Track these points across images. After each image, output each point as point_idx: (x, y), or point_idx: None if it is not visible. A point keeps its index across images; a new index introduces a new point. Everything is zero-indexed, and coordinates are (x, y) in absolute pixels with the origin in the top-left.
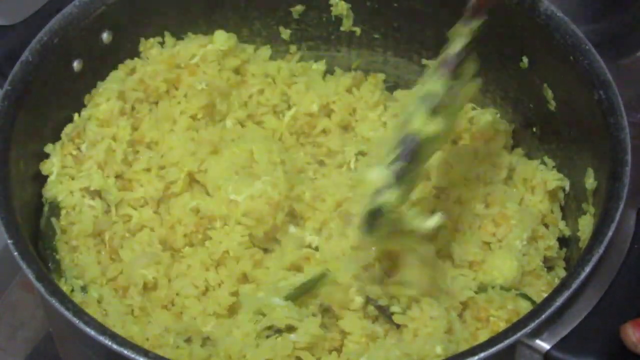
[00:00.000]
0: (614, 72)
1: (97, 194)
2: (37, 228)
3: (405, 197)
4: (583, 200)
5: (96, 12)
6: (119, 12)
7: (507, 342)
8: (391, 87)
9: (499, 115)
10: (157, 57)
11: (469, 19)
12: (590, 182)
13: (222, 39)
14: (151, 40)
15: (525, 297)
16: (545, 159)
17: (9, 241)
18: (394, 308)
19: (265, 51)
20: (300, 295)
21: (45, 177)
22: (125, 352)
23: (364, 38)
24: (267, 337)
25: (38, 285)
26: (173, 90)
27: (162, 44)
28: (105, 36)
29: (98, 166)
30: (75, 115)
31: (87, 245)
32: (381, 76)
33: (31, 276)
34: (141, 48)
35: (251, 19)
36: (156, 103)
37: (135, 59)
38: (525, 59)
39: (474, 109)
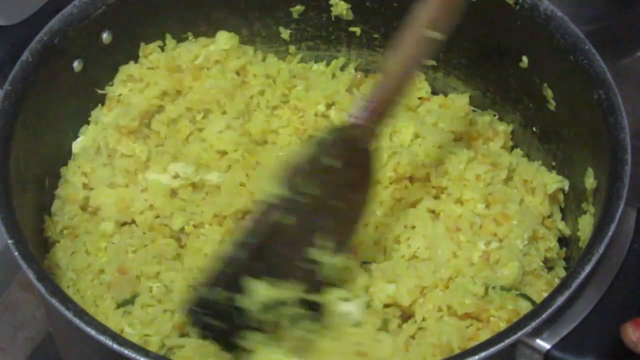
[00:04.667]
0: (614, 72)
1: None
2: (37, 227)
3: None
4: (583, 199)
5: (96, 12)
6: (119, 12)
7: (507, 341)
8: None
9: (497, 116)
10: (157, 61)
11: None
12: (590, 181)
13: (224, 38)
14: (151, 45)
15: (526, 297)
16: (545, 159)
17: (9, 241)
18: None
19: (271, 58)
20: None
21: (45, 177)
22: (126, 352)
23: (364, 38)
24: None
25: (38, 285)
26: (175, 94)
27: (162, 47)
28: (105, 36)
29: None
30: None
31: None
32: (381, 76)
33: (31, 276)
34: (141, 53)
35: (251, 19)
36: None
37: (136, 64)
38: (525, 59)
39: (473, 110)
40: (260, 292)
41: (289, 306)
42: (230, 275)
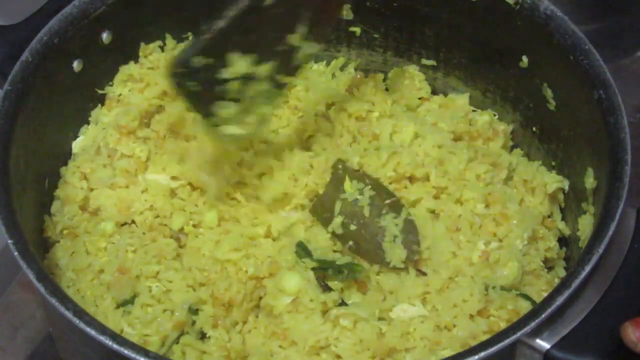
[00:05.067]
0: (614, 72)
1: None
2: (37, 227)
3: None
4: (583, 199)
5: (96, 12)
6: (119, 12)
7: (507, 341)
8: None
9: (497, 116)
10: (157, 61)
11: None
12: (590, 181)
13: None
14: (151, 45)
15: (526, 297)
16: (545, 159)
17: (9, 241)
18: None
19: None
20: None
21: (45, 177)
22: (126, 352)
23: (364, 38)
24: None
25: (38, 285)
26: (175, 94)
27: (162, 47)
28: (105, 36)
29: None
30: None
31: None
32: (381, 76)
33: (31, 276)
34: (141, 53)
35: None
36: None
37: (136, 64)
38: (525, 59)
39: (473, 110)
40: (240, 64)
41: (262, 82)
42: (213, 44)
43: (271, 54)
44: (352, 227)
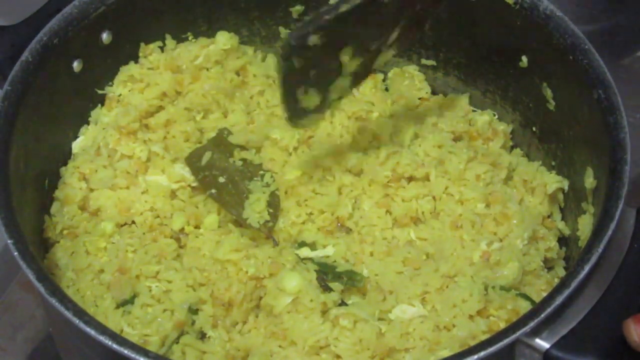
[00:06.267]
0: (614, 72)
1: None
2: (37, 227)
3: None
4: (582, 199)
5: (96, 12)
6: (119, 12)
7: (506, 341)
8: None
9: (497, 116)
10: (157, 61)
11: None
12: (589, 181)
13: (224, 38)
14: (151, 45)
15: (525, 297)
16: (545, 159)
17: (9, 241)
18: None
19: (271, 58)
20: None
21: (45, 177)
22: (125, 352)
23: None
24: None
25: (38, 285)
26: (175, 95)
27: (162, 47)
28: (105, 36)
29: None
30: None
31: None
32: (381, 76)
33: (31, 276)
34: (141, 53)
35: (251, 19)
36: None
37: (136, 64)
38: (525, 59)
39: (473, 110)
40: (346, 54)
41: (346, 78)
42: (329, 25)
43: (363, 51)
44: (221, 179)
